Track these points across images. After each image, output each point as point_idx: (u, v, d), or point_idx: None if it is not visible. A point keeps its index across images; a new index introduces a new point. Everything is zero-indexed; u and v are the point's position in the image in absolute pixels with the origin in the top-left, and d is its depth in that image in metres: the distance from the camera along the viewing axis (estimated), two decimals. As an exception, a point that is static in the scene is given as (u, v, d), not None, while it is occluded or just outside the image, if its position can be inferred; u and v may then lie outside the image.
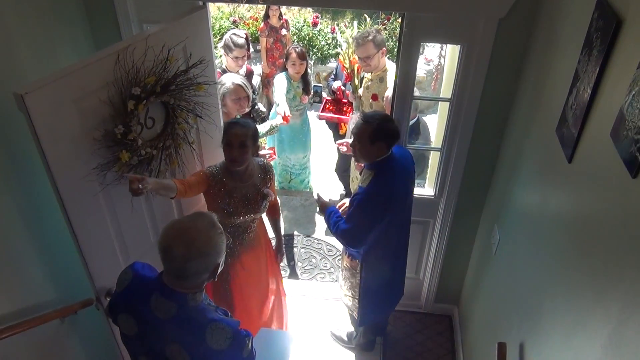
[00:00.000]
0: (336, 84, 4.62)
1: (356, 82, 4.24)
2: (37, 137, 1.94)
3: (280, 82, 4.38)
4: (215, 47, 3.85)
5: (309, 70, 4.59)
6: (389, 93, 3.65)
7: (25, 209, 2.38)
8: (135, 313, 1.83)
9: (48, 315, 2.44)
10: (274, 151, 3.51)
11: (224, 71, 4.10)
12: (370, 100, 4.02)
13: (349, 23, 7.64)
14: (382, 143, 2.65)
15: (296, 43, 6.39)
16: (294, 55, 4.30)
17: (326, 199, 3.10)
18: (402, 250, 3.05)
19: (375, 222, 2.71)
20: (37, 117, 1.91)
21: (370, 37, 3.79)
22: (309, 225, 4.88)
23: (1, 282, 2.27)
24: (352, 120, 4.30)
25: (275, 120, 3.99)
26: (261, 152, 3.52)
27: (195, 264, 1.72)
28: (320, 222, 4.88)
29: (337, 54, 4.86)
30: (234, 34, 4.10)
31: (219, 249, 1.77)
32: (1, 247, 2.26)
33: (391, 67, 3.90)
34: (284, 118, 3.89)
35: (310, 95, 4.58)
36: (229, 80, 3.43)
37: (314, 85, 4.65)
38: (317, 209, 3.13)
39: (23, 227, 2.37)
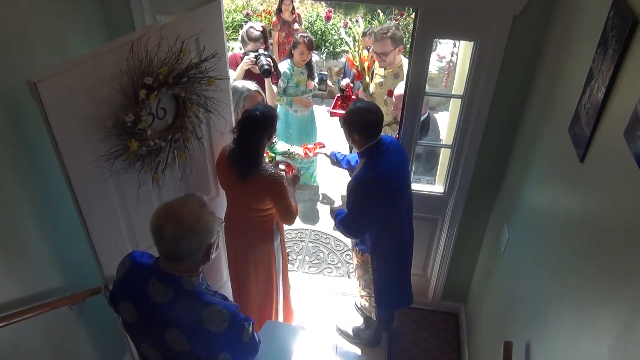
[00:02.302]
0: (344, 82, 4.61)
1: (367, 80, 4.23)
2: (49, 124, 1.95)
3: (281, 68, 4.44)
4: (228, 40, 3.84)
5: (313, 58, 4.60)
6: (398, 91, 3.64)
7: (36, 197, 2.41)
8: (134, 299, 1.86)
9: (57, 301, 2.47)
10: (291, 169, 3.37)
11: (245, 54, 4.07)
12: (386, 96, 4.01)
13: (362, 18, 7.61)
14: (353, 133, 2.72)
15: (296, 28, 6.35)
16: (302, 44, 4.31)
17: (336, 204, 3.15)
18: (410, 241, 3.06)
19: (369, 207, 2.75)
20: (49, 105, 1.92)
21: (389, 34, 3.77)
22: (316, 219, 4.92)
23: (12, 268, 2.29)
24: None
25: (294, 148, 3.79)
26: (280, 166, 3.46)
27: (187, 242, 1.73)
28: (324, 214, 4.93)
29: (344, 51, 4.80)
30: (251, 27, 4.11)
31: (210, 228, 1.79)
32: (12, 233, 2.28)
33: (406, 63, 3.88)
34: (306, 155, 3.70)
35: (315, 81, 4.56)
36: (244, 87, 3.40)
37: (319, 73, 4.64)
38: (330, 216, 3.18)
39: (34, 214, 2.40)
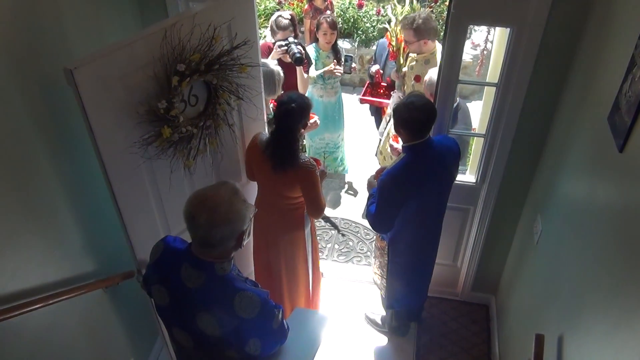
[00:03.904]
0: (374, 68, 4.56)
1: (401, 60, 4.18)
2: (84, 110, 1.98)
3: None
4: (260, 28, 3.84)
5: (339, 42, 4.54)
6: (429, 77, 3.60)
7: (72, 183, 2.46)
8: (167, 283, 1.88)
9: (92, 285, 2.53)
10: (318, 164, 3.23)
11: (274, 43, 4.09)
12: (413, 81, 3.97)
13: (394, 6, 7.49)
14: (399, 127, 2.64)
15: (328, 13, 6.28)
16: (325, 24, 4.26)
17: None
18: (433, 241, 3.00)
19: (394, 205, 2.70)
20: (85, 92, 1.95)
21: (413, 25, 3.75)
22: (343, 207, 4.91)
23: (48, 252, 2.36)
24: (393, 99, 4.26)
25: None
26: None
27: (220, 230, 1.75)
28: (353, 204, 4.91)
29: (385, 29, 4.70)
30: (280, 15, 4.10)
31: (242, 216, 1.80)
32: (49, 218, 2.34)
33: (440, 50, 3.82)
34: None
35: (342, 64, 4.50)
36: (269, 66, 3.41)
37: (345, 55, 4.58)
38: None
39: (69, 200, 2.45)
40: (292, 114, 2.70)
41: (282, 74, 3.45)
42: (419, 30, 3.75)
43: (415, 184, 2.66)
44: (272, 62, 3.46)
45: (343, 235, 4.59)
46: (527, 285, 2.97)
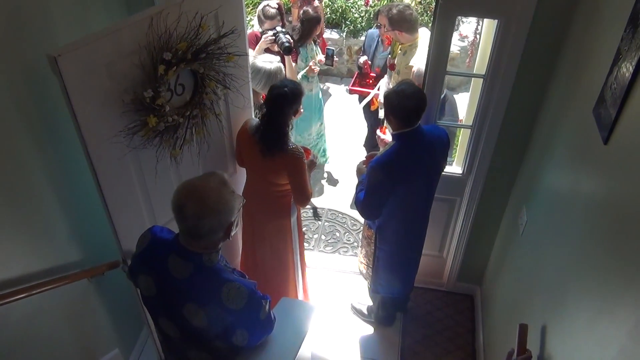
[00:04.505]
0: (362, 59, 4.56)
1: (395, 46, 4.20)
2: (68, 99, 1.96)
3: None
4: (248, 16, 3.80)
5: (326, 32, 4.55)
6: (417, 67, 3.60)
7: (56, 172, 2.43)
8: (154, 274, 1.88)
9: (76, 274, 2.51)
10: (307, 153, 3.22)
11: (262, 33, 4.06)
12: (388, 69, 4.05)
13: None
14: (390, 114, 2.65)
15: (316, 4, 6.23)
16: (322, 21, 4.24)
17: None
18: (420, 231, 3.02)
19: (383, 192, 2.71)
20: (69, 79, 1.92)
21: (388, 15, 3.83)
22: (332, 198, 4.90)
23: (32, 242, 2.33)
24: (381, 84, 4.27)
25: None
26: None
27: (208, 221, 1.74)
28: (340, 195, 4.91)
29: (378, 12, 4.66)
30: (267, 5, 4.07)
31: (231, 207, 1.79)
32: (33, 208, 2.32)
33: (422, 42, 3.84)
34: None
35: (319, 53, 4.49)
36: (272, 63, 3.37)
37: (327, 49, 4.56)
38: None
39: (54, 189, 2.43)
40: (283, 98, 2.70)
41: (283, 72, 3.40)
42: (392, 20, 3.80)
43: (404, 171, 2.67)
44: (275, 59, 3.41)
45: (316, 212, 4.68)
46: (511, 275, 3.00)
